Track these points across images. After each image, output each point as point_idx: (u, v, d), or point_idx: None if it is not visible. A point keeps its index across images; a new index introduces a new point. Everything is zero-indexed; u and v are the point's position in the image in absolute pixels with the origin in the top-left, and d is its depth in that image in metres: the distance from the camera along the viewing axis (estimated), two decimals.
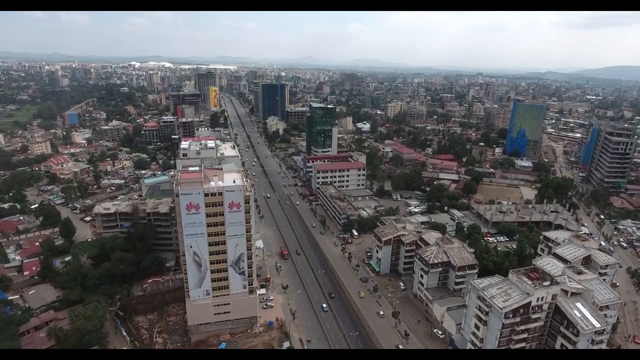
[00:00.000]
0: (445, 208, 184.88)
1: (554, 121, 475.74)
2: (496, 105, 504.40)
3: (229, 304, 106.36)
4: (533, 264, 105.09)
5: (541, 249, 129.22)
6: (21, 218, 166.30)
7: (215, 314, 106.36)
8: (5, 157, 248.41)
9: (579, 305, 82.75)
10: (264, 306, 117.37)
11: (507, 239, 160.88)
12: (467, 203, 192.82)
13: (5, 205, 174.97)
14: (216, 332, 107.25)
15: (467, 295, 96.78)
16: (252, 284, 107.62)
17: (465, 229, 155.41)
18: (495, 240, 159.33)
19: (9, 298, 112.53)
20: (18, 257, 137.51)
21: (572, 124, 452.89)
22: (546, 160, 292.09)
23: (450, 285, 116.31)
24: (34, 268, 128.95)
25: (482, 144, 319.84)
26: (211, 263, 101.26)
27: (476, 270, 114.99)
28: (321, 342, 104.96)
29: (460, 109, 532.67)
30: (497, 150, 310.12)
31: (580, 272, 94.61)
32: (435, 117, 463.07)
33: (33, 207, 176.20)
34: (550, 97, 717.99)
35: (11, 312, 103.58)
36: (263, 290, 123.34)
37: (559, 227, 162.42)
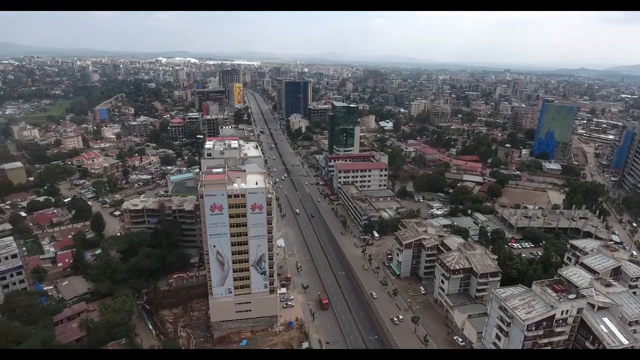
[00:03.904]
0: (469, 211, 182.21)
1: (585, 122, 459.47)
2: (524, 105, 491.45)
3: (250, 302, 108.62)
4: (559, 274, 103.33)
5: (568, 257, 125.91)
6: (55, 211, 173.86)
7: (237, 312, 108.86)
8: (40, 151, 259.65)
9: (606, 320, 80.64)
10: (284, 305, 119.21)
11: (532, 246, 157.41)
12: (492, 207, 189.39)
13: (41, 199, 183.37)
14: (237, 329, 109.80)
15: (489, 303, 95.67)
16: (272, 284, 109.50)
17: (488, 234, 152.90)
18: (520, 247, 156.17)
19: (45, 288, 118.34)
20: (52, 249, 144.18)
21: (605, 125, 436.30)
22: (576, 163, 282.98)
23: (471, 292, 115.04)
24: (66, 260, 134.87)
25: (508, 145, 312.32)
26: (233, 262, 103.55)
27: (499, 278, 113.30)
28: (340, 344, 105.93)
29: (486, 107, 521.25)
30: (524, 151, 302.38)
31: (608, 285, 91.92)
32: (460, 116, 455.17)
33: (66, 200, 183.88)
34: (582, 96, 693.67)
35: (46, 302, 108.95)
36: (283, 290, 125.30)
37: (587, 234, 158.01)
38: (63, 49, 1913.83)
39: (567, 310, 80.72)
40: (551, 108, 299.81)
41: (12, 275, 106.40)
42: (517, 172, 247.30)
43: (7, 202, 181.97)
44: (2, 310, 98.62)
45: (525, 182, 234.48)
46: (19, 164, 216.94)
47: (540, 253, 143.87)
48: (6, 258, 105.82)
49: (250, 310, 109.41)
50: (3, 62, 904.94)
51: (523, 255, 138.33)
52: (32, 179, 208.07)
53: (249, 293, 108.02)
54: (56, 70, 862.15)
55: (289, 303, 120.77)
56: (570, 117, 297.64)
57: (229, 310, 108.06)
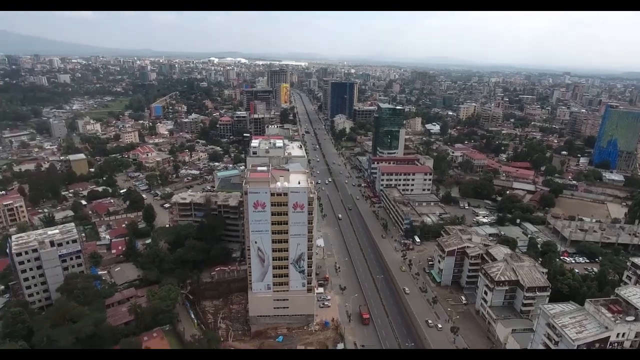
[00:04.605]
0: (518, 221, 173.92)
1: None
2: (584, 110, 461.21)
3: (287, 299, 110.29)
4: (616, 293, 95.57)
5: (627, 276, 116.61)
6: (111, 201, 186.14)
7: (274, 308, 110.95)
8: (101, 144, 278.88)
9: None
10: (321, 305, 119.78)
11: (587, 261, 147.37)
12: (543, 217, 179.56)
13: (100, 189, 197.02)
14: (274, 325, 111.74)
15: (535, 319, 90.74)
16: (310, 283, 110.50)
17: (538, 246, 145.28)
18: (573, 261, 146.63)
19: (99, 273, 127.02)
20: (108, 236, 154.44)
21: None
22: None
23: (517, 305, 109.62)
24: (120, 247, 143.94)
25: (564, 152, 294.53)
26: (273, 259, 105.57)
27: (548, 293, 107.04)
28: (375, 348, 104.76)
29: (542, 112, 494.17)
30: (582, 160, 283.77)
31: None
32: (512, 120, 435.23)
33: (122, 191, 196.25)
34: None
35: (100, 285, 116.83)
36: (321, 289, 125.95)
37: None
38: (125, 49, 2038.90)
39: (623, 333, 74.85)
40: (615, 114, 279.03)
41: (71, 259, 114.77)
42: (574, 182, 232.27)
43: (70, 191, 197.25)
44: (62, 290, 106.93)
45: (582, 192, 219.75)
46: (82, 155, 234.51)
47: (595, 269, 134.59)
48: (67, 242, 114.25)
49: (288, 308, 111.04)
50: (72, 61, 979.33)
51: (576, 270, 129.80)
52: (92, 170, 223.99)
53: (287, 290, 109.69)
54: (118, 69, 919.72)
55: (326, 303, 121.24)
56: (636, 125, 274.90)
57: (267, 305, 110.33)
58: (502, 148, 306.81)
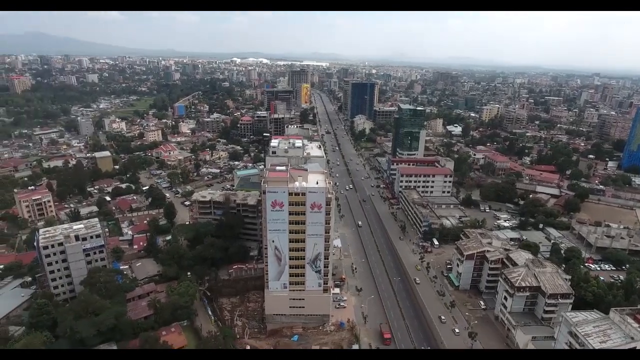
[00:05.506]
0: (541, 225, 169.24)
1: None
2: (614, 112, 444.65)
3: (303, 299, 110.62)
4: None
5: None
6: (134, 197, 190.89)
7: (290, 307, 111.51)
8: (125, 142, 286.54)
9: None
10: (337, 306, 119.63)
11: (613, 269, 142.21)
12: (568, 222, 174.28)
13: (123, 185, 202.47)
14: (290, 324, 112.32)
15: (556, 327, 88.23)
16: (327, 283, 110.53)
17: (562, 252, 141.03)
18: (599, 269, 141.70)
19: (121, 267, 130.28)
20: (130, 232, 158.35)
21: None
22: None
23: (537, 312, 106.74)
24: (141, 243, 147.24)
25: (591, 156, 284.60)
26: (290, 259, 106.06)
27: (570, 301, 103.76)
28: None
29: (569, 114, 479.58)
30: (611, 164, 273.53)
31: None
32: (537, 122, 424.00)
33: (144, 188, 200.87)
34: None
35: (121, 280, 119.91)
36: (337, 290, 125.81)
37: None
38: (151, 50, 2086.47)
39: None
40: None
41: (95, 253, 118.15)
42: (601, 187, 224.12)
43: (95, 187, 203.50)
44: (85, 284, 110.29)
45: (609, 197, 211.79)
46: (107, 153, 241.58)
47: (622, 277, 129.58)
48: (91, 237, 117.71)
49: (304, 307, 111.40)
50: (101, 61, 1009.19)
51: (601, 278, 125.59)
52: (117, 167, 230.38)
53: (303, 290, 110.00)
54: (144, 69, 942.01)
55: (342, 304, 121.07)
56: None
57: (283, 304, 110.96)
58: (526, 151, 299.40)
